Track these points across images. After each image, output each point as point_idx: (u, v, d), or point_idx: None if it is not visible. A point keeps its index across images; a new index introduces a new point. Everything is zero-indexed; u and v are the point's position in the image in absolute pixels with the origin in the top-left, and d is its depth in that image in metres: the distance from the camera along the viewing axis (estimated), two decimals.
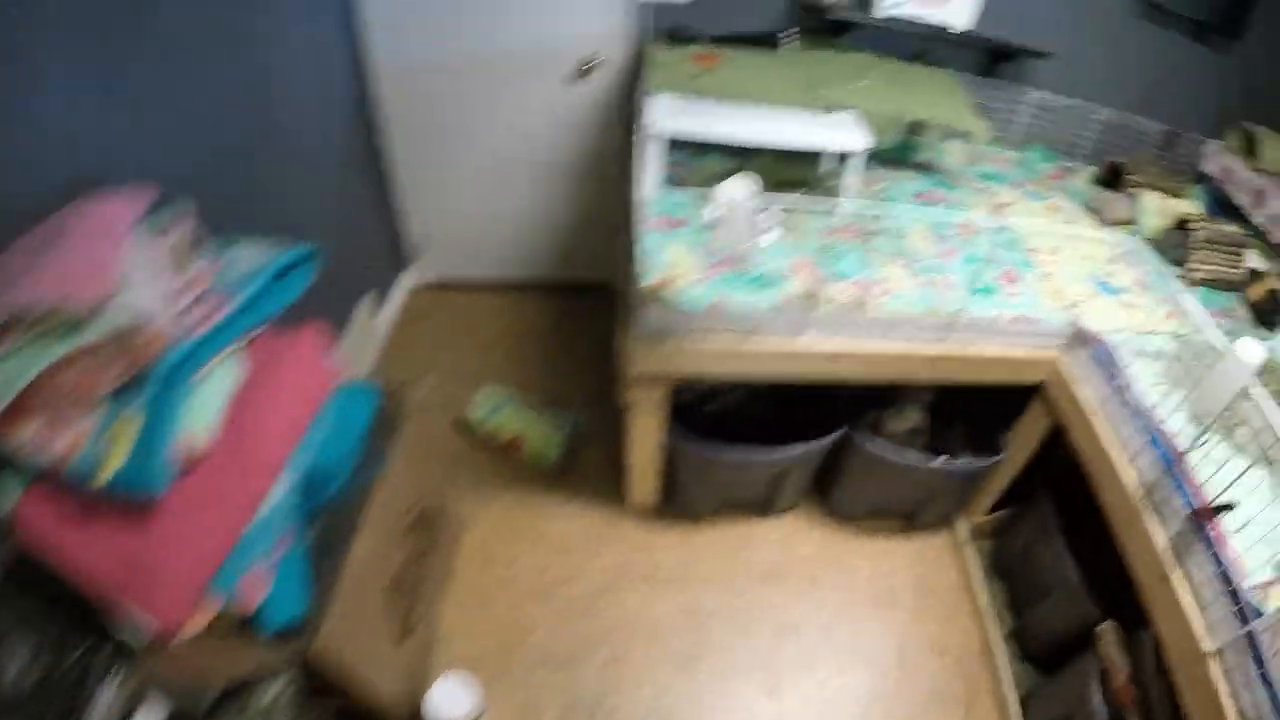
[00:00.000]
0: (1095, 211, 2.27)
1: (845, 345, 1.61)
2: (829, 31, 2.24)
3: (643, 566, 2.11)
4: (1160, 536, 1.43)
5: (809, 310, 1.53)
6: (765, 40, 2.17)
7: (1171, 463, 1.44)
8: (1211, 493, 1.38)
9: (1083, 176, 2.53)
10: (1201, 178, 2.54)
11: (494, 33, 2.23)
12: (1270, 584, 1.35)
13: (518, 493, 2.25)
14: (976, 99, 2.37)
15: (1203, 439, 1.41)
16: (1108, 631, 1.66)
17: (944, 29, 2.15)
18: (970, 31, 2.14)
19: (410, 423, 1.60)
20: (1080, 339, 1.71)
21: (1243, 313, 2.11)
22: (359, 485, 1.37)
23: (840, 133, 1.81)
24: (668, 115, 1.76)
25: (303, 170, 2.01)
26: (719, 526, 2.22)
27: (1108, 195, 2.27)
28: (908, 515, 2.22)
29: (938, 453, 2.20)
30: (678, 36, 2.12)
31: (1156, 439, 1.48)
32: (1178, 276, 2.14)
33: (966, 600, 2.13)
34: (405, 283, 2.83)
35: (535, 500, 2.23)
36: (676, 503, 2.18)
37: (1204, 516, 1.34)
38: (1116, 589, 1.55)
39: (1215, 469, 1.39)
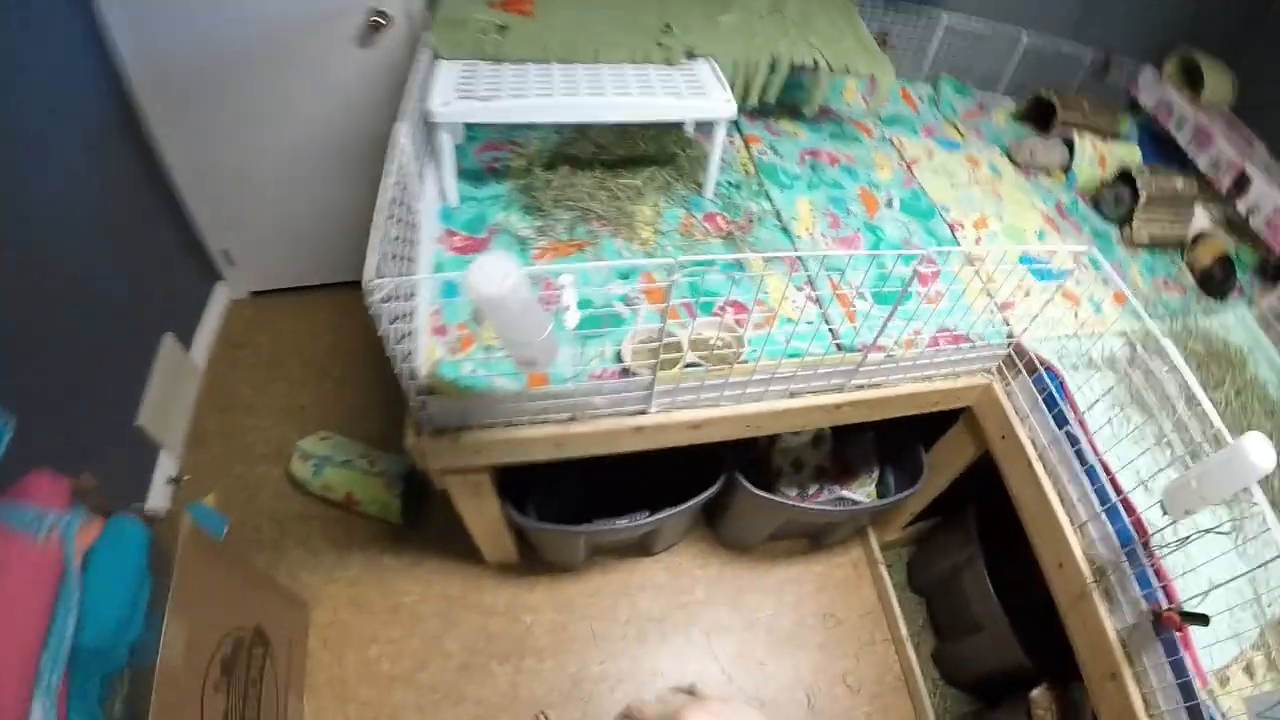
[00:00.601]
0: (1020, 160, 1.81)
1: (711, 412, 1.14)
2: None
3: (511, 633, 1.68)
4: (1111, 624, 1.07)
5: (659, 373, 1.05)
6: None
7: (1132, 542, 1.06)
8: (1181, 589, 1.02)
9: (1002, 112, 2.05)
10: (1134, 106, 2.10)
11: None
12: (1227, 667, 1.03)
13: (364, 558, 1.77)
14: (878, 27, 1.84)
15: (1180, 536, 1.03)
16: (1041, 700, 1.35)
17: None
18: None
19: (197, 543, 1.15)
20: (1019, 361, 1.27)
21: (1188, 279, 1.73)
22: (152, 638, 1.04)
23: (695, 97, 1.27)
24: (450, 94, 1.18)
25: (46, 216, 1.40)
26: (595, 575, 1.79)
27: (1034, 141, 1.81)
28: (812, 537, 1.85)
29: (845, 464, 1.81)
30: None
31: (1116, 510, 1.09)
32: (1119, 240, 1.73)
33: (882, 626, 1.80)
34: (217, 304, 2.20)
35: (384, 565, 1.76)
36: (540, 557, 1.75)
37: (1170, 623, 0.97)
38: (1055, 634, 1.21)
39: (1188, 564, 1.03)
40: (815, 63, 1.44)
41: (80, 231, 1.52)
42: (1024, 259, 1.50)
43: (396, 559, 1.78)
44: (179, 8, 1.56)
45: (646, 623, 1.73)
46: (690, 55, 1.38)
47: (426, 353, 1.07)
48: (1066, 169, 1.82)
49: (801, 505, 1.50)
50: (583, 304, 1.19)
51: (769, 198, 1.46)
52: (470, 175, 1.40)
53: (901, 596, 1.80)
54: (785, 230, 1.40)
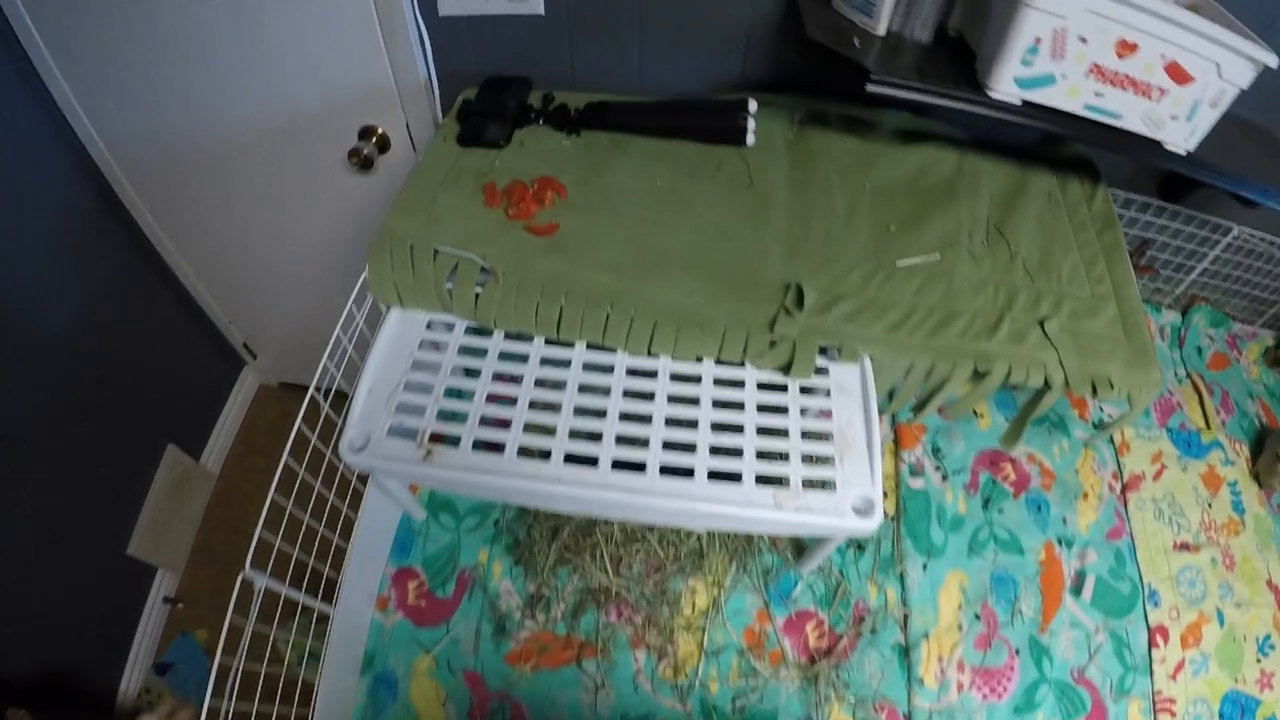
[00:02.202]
0: (1266, 481, 1.07)
1: None
2: (857, 98, 0.87)
3: None
4: None
5: None
6: (701, 124, 0.83)
7: None
8: None
9: (1256, 349, 1.28)
10: None
11: (231, 99, 1.06)
12: None
13: None
14: (1138, 230, 1.08)
15: None
16: None
17: (1149, 143, 0.79)
18: (1194, 156, 0.80)
19: None
20: None
21: None
22: None
23: (810, 490, 0.62)
24: (381, 413, 0.60)
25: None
26: None
27: None
28: None
29: None
30: (476, 126, 0.76)
31: None
32: None
33: None
34: (242, 392, 1.81)
35: None
36: None
37: None
38: None
39: None
40: (1046, 382, 0.75)
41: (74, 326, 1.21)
42: (1225, 707, 0.84)
43: None
44: (139, 104, 1.07)
45: None
46: (827, 352, 0.72)
47: None
48: None
49: None
50: None
51: (902, 580, 0.82)
52: None
53: None
54: (905, 656, 0.78)
